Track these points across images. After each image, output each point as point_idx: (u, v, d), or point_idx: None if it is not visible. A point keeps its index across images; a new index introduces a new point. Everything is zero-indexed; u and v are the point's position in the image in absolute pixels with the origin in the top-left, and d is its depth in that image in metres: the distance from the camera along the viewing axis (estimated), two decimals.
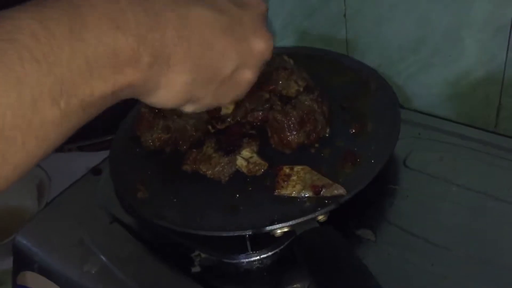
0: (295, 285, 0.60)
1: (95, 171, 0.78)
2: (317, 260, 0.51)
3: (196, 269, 0.62)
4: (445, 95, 0.88)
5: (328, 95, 0.70)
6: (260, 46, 0.49)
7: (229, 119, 0.69)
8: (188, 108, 0.49)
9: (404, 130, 0.71)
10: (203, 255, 0.64)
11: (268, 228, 0.56)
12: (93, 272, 0.65)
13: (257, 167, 0.64)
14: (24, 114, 0.31)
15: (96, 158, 0.83)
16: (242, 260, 0.62)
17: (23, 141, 0.31)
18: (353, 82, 0.76)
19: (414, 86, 0.90)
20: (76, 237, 0.70)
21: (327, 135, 0.68)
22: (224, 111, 0.71)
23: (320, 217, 0.57)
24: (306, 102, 0.67)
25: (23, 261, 0.72)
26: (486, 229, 0.59)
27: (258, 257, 0.62)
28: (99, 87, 0.35)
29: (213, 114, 0.70)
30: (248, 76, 0.50)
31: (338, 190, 0.60)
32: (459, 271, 0.56)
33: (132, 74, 0.37)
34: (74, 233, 0.70)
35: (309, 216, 0.56)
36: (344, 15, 0.91)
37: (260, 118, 0.68)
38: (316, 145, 0.68)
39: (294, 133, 0.65)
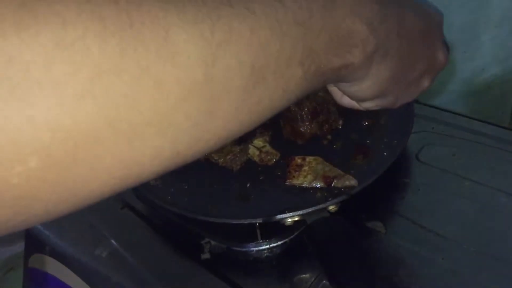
0: (304, 275, 0.59)
1: None
2: (327, 250, 0.51)
3: (206, 256, 0.63)
4: (459, 91, 0.88)
5: None
6: (442, 56, 0.50)
7: None
8: (369, 104, 0.50)
9: (417, 124, 0.72)
10: (213, 243, 0.64)
11: (279, 217, 0.57)
12: (104, 255, 0.65)
13: (269, 157, 0.64)
14: (280, 65, 0.32)
15: None
16: (252, 249, 0.62)
17: (275, 88, 0.32)
18: None
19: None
20: (87, 222, 0.70)
21: (340, 127, 0.68)
22: None
23: (331, 207, 0.57)
24: (319, 93, 0.67)
25: (35, 244, 0.73)
26: (498, 225, 0.59)
27: (267, 246, 0.62)
28: (333, 60, 0.37)
29: None
30: (426, 83, 0.51)
31: (350, 181, 0.60)
32: (469, 265, 0.55)
33: (358, 56, 0.39)
34: (85, 218, 0.71)
35: (320, 206, 0.56)
36: None
37: None
38: (329, 136, 0.68)
39: (307, 123, 0.65)
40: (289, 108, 0.66)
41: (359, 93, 0.46)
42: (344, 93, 0.47)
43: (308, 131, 0.66)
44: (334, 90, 0.51)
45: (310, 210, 0.56)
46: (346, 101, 0.52)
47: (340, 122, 0.68)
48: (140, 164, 0.27)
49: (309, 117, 0.65)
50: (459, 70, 0.86)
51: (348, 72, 0.40)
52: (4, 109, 0.21)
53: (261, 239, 0.62)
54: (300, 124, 0.66)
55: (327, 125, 0.67)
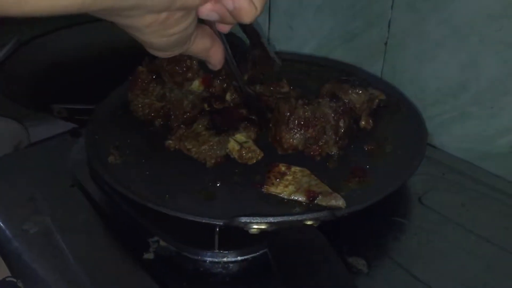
0: None
1: (74, 132, 0.70)
2: (293, 261, 0.40)
3: (149, 255, 0.52)
4: (478, 152, 0.78)
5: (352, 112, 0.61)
6: None
7: (229, 100, 0.60)
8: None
9: (427, 167, 0.63)
10: (161, 243, 0.53)
11: (243, 219, 0.46)
12: (31, 232, 0.55)
13: (250, 154, 0.55)
14: None
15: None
16: (205, 259, 0.51)
17: None
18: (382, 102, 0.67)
19: (444, 136, 0.80)
20: (28, 193, 0.60)
21: (332, 153, 0.58)
22: (228, 97, 0.63)
23: (309, 223, 0.46)
24: (323, 108, 0.58)
25: None
26: None
27: (224, 259, 0.51)
28: None
29: (212, 90, 0.62)
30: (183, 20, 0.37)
31: (337, 201, 0.50)
32: None
33: None
34: (28, 189, 0.61)
35: (296, 218, 0.46)
36: (386, 43, 0.83)
37: (267, 103, 0.59)
38: (318, 158, 0.58)
39: (291, 131, 0.56)
40: (280, 107, 0.56)
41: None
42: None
43: (290, 140, 0.56)
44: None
45: (283, 219, 0.46)
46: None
47: (334, 150, 0.58)
48: None
49: (296, 125, 0.56)
50: (481, 127, 0.77)
51: None
52: None
53: (219, 249, 0.51)
54: (283, 129, 0.56)
55: (316, 146, 0.57)
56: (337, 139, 0.58)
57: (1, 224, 0.57)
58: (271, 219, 0.46)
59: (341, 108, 0.58)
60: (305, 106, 0.57)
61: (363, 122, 0.63)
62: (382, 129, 0.63)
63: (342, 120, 0.58)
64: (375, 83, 0.71)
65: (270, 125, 0.57)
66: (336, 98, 0.59)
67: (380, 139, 0.61)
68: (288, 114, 0.55)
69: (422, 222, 0.56)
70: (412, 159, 0.57)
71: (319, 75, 0.75)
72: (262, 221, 0.46)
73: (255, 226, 0.46)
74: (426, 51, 0.78)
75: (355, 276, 0.49)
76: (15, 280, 0.54)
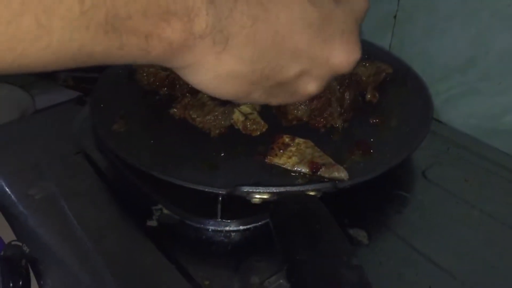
0: (258, 272, 0.49)
1: (80, 101, 0.70)
2: (294, 230, 0.40)
3: (152, 223, 0.52)
4: (484, 128, 0.78)
5: (358, 85, 0.61)
6: (340, 57, 0.38)
7: None
8: (235, 100, 0.40)
9: (432, 141, 0.63)
10: (165, 211, 0.54)
11: (246, 189, 0.46)
12: (36, 197, 0.56)
13: (254, 126, 0.54)
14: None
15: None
16: (207, 227, 0.52)
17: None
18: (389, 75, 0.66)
19: (451, 112, 0.79)
20: (33, 160, 0.61)
21: (337, 126, 0.58)
22: None
23: (311, 194, 0.47)
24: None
25: None
26: (501, 263, 0.48)
27: (226, 228, 0.51)
28: (137, 21, 0.29)
29: None
30: (310, 88, 0.40)
31: (340, 173, 0.50)
32: None
33: (177, 29, 0.30)
34: (33, 155, 0.62)
35: (298, 188, 0.46)
36: (395, 17, 0.82)
37: None
38: (323, 130, 0.58)
39: (296, 103, 0.55)
40: None
41: (202, 87, 0.35)
42: (189, 82, 0.36)
43: (294, 112, 0.56)
44: None
45: (285, 189, 0.46)
46: None
47: (339, 122, 0.58)
48: None
49: None
50: (488, 104, 0.76)
51: (164, 49, 0.31)
52: None
53: (221, 218, 0.51)
54: None
55: (321, 117, 0.57)
56: (342, 111, 0.58)
57: (7, 189, 0.57)
58: (273, 189, 0.46)
59: (347, 80, 0.58)
60: None
61: (369, 96, 0.62)
62: (388, 103, 0.63)
63: (347, 92, 0.58)
64: (383, 57, 0.71)
65: None
66: None
67: (385, 113, 0.61)
68: None
69: (424, 196, 0.56)
70: (417, 133, 0.57)
71: None
72: (264, 190, 0.46)
73: (257, 196, 0.46)
74: (435, 25, 0.77)
75: (356, 247, 0.49)
76: (20, 244, 0.54)
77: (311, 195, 0.44)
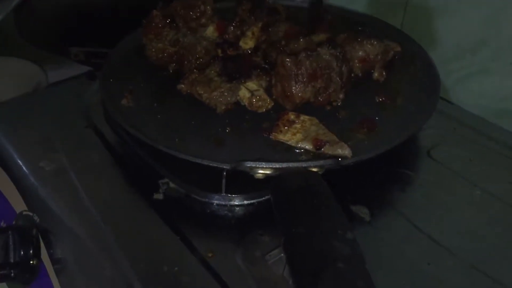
0: (260, 246, 0.50)
1: (90, 75, 0.71)
2: (294, 205, 0.41)
3: (158, 196, 0.53)
4: (494, 109, 0.77)
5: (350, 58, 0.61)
6: None
7: (242, 47, 0.60)
8: None
9: (438, 120, 0.63)
10: (171, 185, 0.55)
11: (249, 164, 0.47)
12: (47, 169, 0.57)
13: (260, 103, 0.55)
14: None
15: None
16: (212, 201, 0.53)
17: None
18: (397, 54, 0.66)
19: (461, 92, 0.79)
20: (44, 133, 0.62)
21: (339, 103, 0.58)
22: (241, 44, 0.63)
23: (313, 170, 0.47)
24: (324, 56, 0.57)
25: None
26: (502, 243, 0.49)
27: (230, 202, 0.52)
28: None
29: (226, 37, 0.61)
30: None
31: (343, 150, 0.50)
32: (458, 279, 0.45)
33: None
34: (44, 128, 0.63)
35: (300, 164, 0.47)
36: None
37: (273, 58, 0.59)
38: (328, 107, 0.58)
39: (301, 85, 0.55)
40: (284, 63, 0.56)
41: None
42: None
43: (300, 94, 0.56)
44: None
45: (288, 165, 0.47)
46: None
47: (341, 96, 0.58)
48: None
49: (305, 78, 0.55)
50: (499, 84, 0.75)
51: None
52: None
53: (226, 192, 0.52)
54: (293, 84, 0.55)
55: (324, 94, 0.57)
56: (343, 84, 0.58)
57: (19, 161, 0.59)
58: (276, 165, 0.47)
59: (341, 54, 0.58)
60: (310, 58, 0.56)
61: (376, 74, 0.62)
62: (395, 82, 0.63)
63: (344, 65, 0.58)
64: (392, 35, 0.70)
65: (273, 83, 0.57)
66: (333, 44, 0.59)
67: (392, 91, 0.61)
68: (295, 68, 0.55)
69: (428, 175, 0.56)
70: (422, 112, 0.57)
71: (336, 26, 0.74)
72: (267, 166, 0.47)
73: (260, 171, 0.47)
74: (447, 4, 0.76)
75: (357, 224, 0.50)
76: (31, 214, 0.56)
77: (313, 171, 0.44)
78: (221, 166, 0.49)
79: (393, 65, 0.65)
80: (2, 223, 0.60)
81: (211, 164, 0.49)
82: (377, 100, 0.59)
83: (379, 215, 0.51)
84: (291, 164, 0.47)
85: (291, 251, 0.37)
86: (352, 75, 0.60)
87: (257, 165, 0.47)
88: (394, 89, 0.61)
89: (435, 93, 0.60)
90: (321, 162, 0.47)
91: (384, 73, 0.62)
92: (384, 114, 0.57)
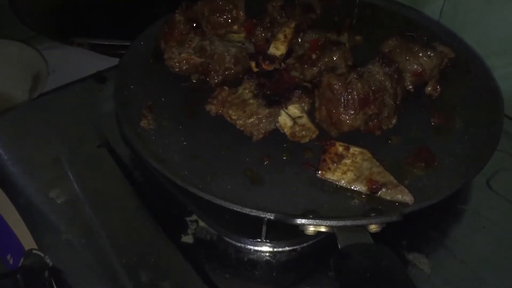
0: None
1: (99, 78, 0.63)
2: (359, 280, 0.35)
3: (188, 239, 0.47)
4: None
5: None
6: None
7: (280, 61, 0.52)
8: None
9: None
10: (201, 224, 0.48)
11: (299, 221, 0.41)
12: (59, 202, 0.50)
13: (304, 132, 0.48)
14: None
15: (106, 63, 0.68)
16: (249, 247, 0.47)
17: None
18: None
19: (509, 89, 0.71)
20: (53, 152, 0.55)
21: (391, 126, 0.51)
22: (272, 50, 0.54)
23: (373, 227, 0.41)
24: (377, 76, 0.49)
25: None
26: None
27: (271, 249, 0.46)
28: None
29: (261, 48, 0.53)
30: None
31: (403, 196, 0.44)
32: None
33: None
34: (52, 147, 0.55)
35: (359, 222, 0.40)
36: None
37: (315, 75, 0.51)
38: (378, 132, 0.51)
39: (351, 112, 0.48)
40: (332, 85, 0.48)
41: None
42: None
43: (349, 122, 0.48)
44: None
45: (344, 223, 0.40)
46: None
47: (394, 121, 0.51)
48: None
49: (356, 105, 0.48)
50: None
51: None
52: None
53: (266, 239, 0.46)
54: (341, 111, 0.48)
55: (376, 120, 0.49)
56: (396, 108, 0.51)
57: (28, 189, 0.52)
58: (332, 223, 0.40)
59: (396, 73, 0.50)
60: (360, 78, 0.48)
61: (429, 89, 0.55)
62: (449, 96, 0.56)
63: (398, 86, 0.50)
64: (430, 27, 0.63)
65: (316, 105, 0.50)
66: (387, 61, 0.51)
67: (448, 110, 0.53)
68: (344, 93, 0.47)
69: (489, 211, 0.50)
70: (487, 138, 0.50)
71: (372, 19, 0.66)
72: (320, 223, 0.40)
73: (311, 228, 0.41)
74: None
75: (416, 277, 0.44)
76: (42, 254, 0.50)
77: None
78: (263, 216, 0.43)
79: (445, 74, 0.57)
80: (8, 257, 0.54)
81: (252, 214, 0.42)
82: (433, 123, 0.52)
83: (439, 267, 0.45)
84: (348, 223, 0.40)
85: None
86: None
87: (308, 223, 0.40)
88: (449, 106, 0.54)
89: (498, 113, 0.52)
90: (382, 219, 0.40)
91: (438, 88, 0.55)
92: (441, 140, 0.51)
